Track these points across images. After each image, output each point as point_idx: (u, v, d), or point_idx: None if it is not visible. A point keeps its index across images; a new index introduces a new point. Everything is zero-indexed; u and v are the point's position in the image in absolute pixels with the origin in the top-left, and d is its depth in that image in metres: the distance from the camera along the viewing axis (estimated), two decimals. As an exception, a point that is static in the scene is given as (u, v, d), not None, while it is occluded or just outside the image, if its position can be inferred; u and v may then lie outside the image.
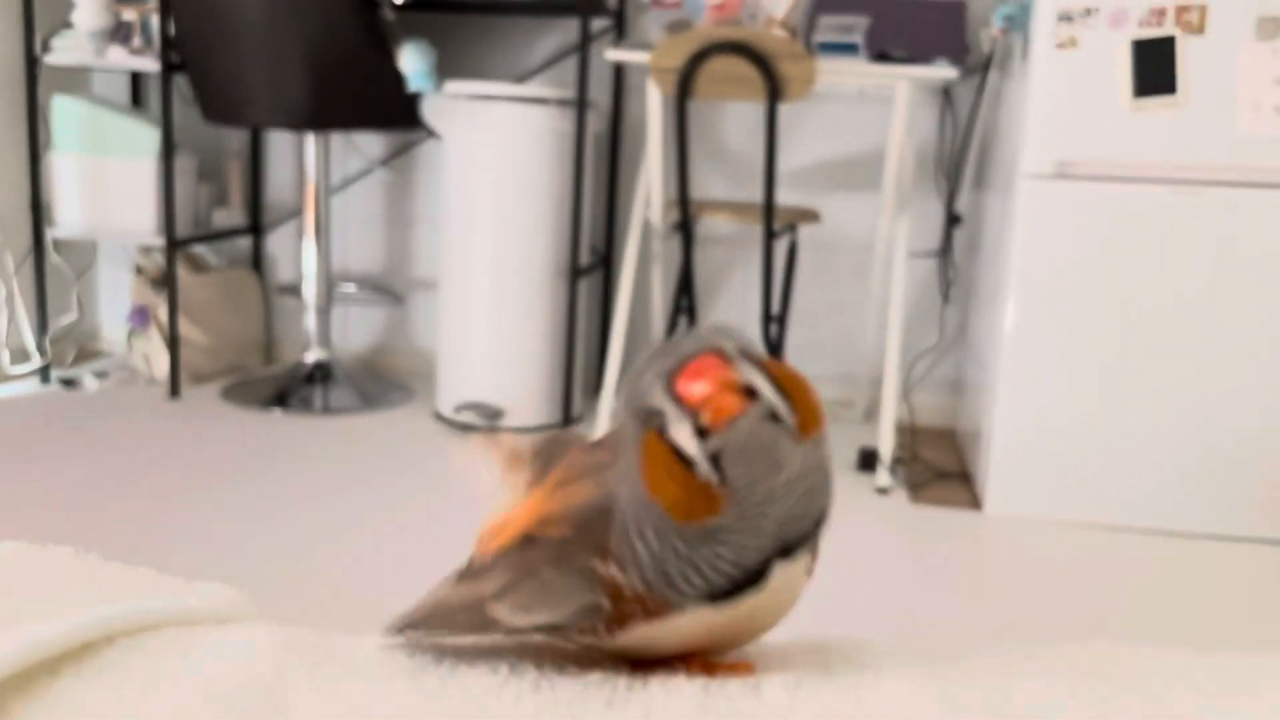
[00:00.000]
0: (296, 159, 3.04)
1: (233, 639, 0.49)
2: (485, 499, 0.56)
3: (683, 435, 0.43)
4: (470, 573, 0.51)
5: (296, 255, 3.09)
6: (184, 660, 0.47)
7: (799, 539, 0.46)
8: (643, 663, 0.48)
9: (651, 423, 0.44)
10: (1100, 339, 2.11)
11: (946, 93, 2.71)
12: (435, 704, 0.44)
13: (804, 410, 0.44)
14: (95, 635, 0.47)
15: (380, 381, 2.89)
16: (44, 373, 2.79)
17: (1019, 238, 2.12)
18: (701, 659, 0.49)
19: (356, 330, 3.11)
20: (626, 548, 0.45)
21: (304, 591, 1.68)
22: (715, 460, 0.43)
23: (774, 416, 0.43)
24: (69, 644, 0.46)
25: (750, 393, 0.43)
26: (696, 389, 0.43)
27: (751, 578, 0.45)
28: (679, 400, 0.43)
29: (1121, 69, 2.04)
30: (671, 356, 0.45)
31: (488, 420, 2.52)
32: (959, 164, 2.70)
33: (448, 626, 0.50)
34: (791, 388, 0.45)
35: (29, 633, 0.44)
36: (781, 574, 0.46)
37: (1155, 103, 2.04)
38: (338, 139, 3.00)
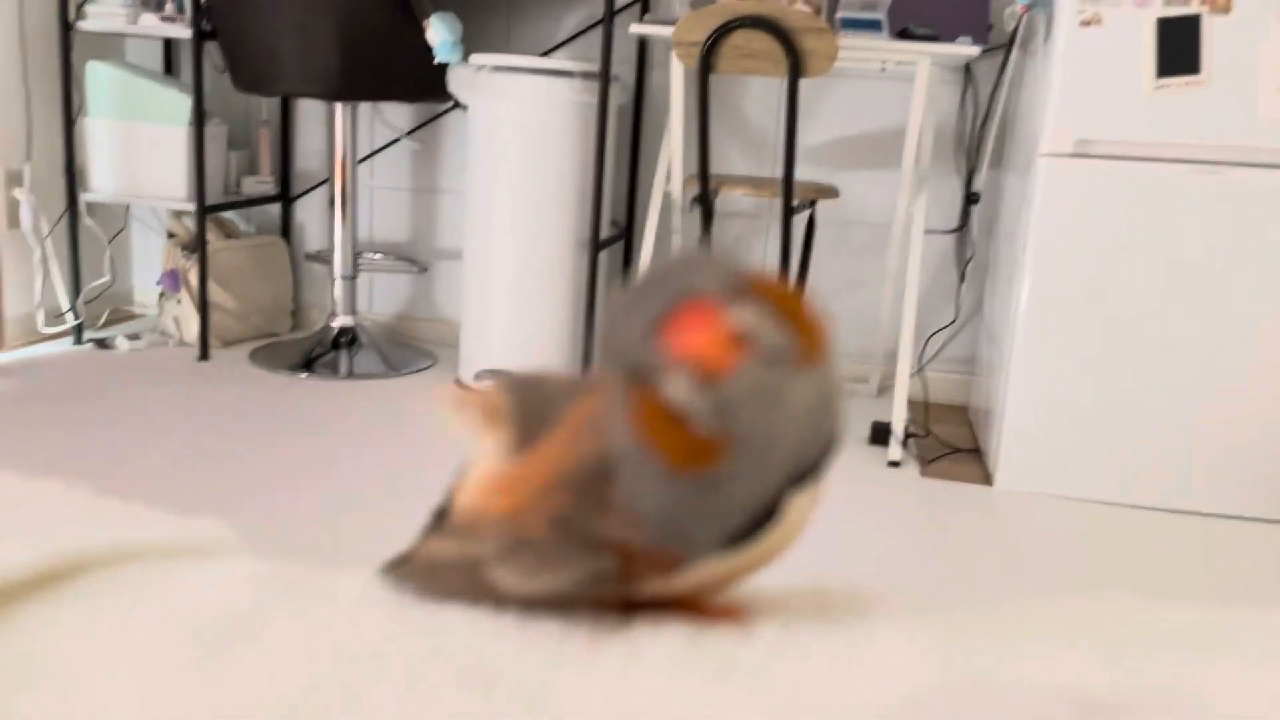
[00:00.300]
0: (325, 128, 3.08)
1: (211, 571, 0.48)
2: (455, 452, 0.52)
3: (678, 391, 0.40)
4: (458, 530, 0.48)
5: (324, 223, 3.14)
6: (159, 590, 0.46)
7: (809, 466, 0.43)
8: (632, 603, 0.46)
9: (640, 377, 0.41)
10: (1115, 318, 2.13)
11: (968, 70, 2.71)
12: (415, 639, 0.43)
13: (806, 335, 0.41)
14: (69, 565, 0.46)
15: (404, 348, 2.94)
16: (78, 333, 2.86)
17: (1037, 216, 2.13)
18: (693, 602, 0.47)
19: (382, 297, 3.16)
20: (633, 504, 0.42)
21: (322, 551, 1.73)
22: (717, 412, 0.40)
23: (775, 355, 0.40)
24: (40, 572, 0.45)
25: (747, 336, 0.40)
26: (687, 345, 0.40)
27: (765, 515, 0.43)
28: (669, 356, 0.40)
29: (1145, 47, 2.04)
30: (654, 304, 0.41)
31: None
32: (979, 142, 2.70)
33: (442, 587, 0.48)
34: (789, 310, 0.41)
35: None
36: (793, 505, 0.43)
37: (1178, 82, 2.04)
38: (365, 109, 3.03)
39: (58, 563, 0.46)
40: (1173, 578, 1.87)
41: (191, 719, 0.37)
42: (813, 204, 2.50)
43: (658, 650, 0.42)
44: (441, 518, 0.52)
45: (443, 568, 0.48)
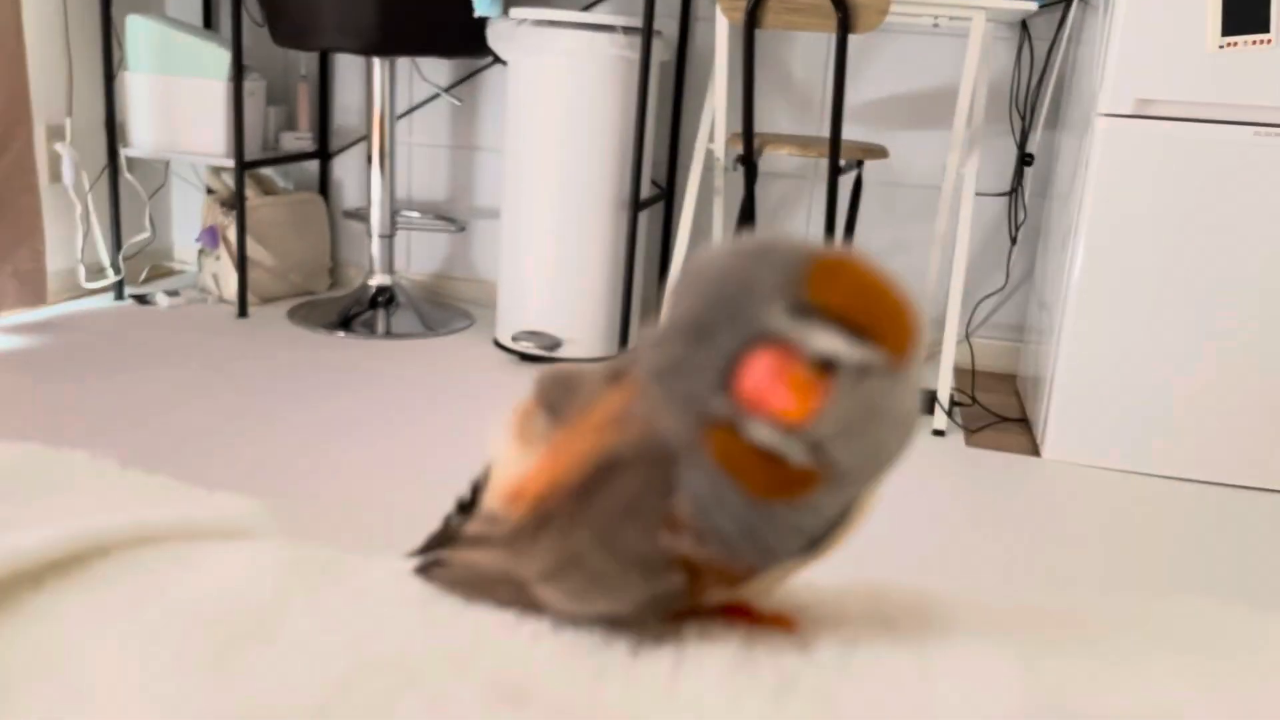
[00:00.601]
0: (364, 84, 3.05)
1: (235, 556, 0.45)
2: (492, 414, 0.50)
3: (765, 438, 0.37)
4: (501, 538, 0.44)
5: (362, 180, 3.12)
6: (176, 577, 0.43)
7: (893, 461, 0.40)
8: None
9: (716, 421, 0.37)
10: (1171, 286, 2.06)
11: (1024, 26, 2.62)
12: (441, 639, 0.39)
13: (893, 334, 0.36)
14: (86, 547, 0.43)
15: (442, 307, 2.92)
16: (118, 289, 2.87)
17: (1093, 178, 2.06)
18: (743, 608, 0.43)
19: (420, 256, 3.14)
20: (704, 520, 0.38)
21: (355, 516, 1.72)
22: (813, 450, 0.37)
23: (865, 371, 0.36)
24: (55, 555, 0.42)
25: (829, 365, 0.36)
26: (765, 398, 0.36)
27: (842, 514, 0.40)
28: (748, 409, 0.37)
29: (1211, 3, 1.95)
30: (717, 350, 0.37)
31: (546, 349, 2.54)
32: (1034, 101, 2.62)
33: (485, 596, 0.44)
34: (869, 309, 0.36)
35: (11, 541, 0.41)
36: (866, 496, 0.41)
37: (1245, 40, 1.95)
38: (404, 64, 3.00)
39: (73, 546, 0.43)
40: (1225, 555, 1.81)
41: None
42: (860, 164, 2.44)
43: (708, 665, 0.38)
44: (466, 509, 0.48)
45: (482, 578, 0.44)
